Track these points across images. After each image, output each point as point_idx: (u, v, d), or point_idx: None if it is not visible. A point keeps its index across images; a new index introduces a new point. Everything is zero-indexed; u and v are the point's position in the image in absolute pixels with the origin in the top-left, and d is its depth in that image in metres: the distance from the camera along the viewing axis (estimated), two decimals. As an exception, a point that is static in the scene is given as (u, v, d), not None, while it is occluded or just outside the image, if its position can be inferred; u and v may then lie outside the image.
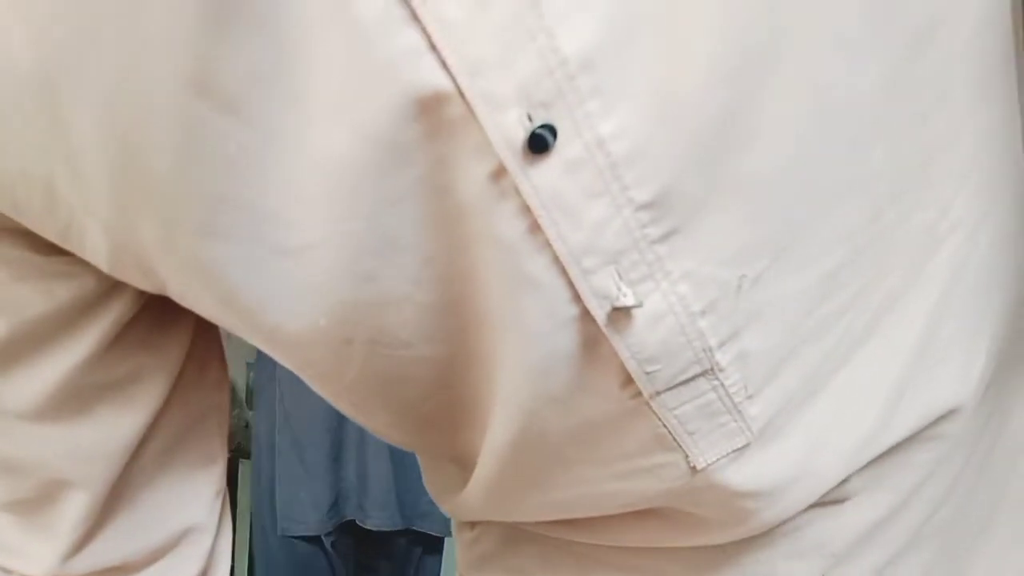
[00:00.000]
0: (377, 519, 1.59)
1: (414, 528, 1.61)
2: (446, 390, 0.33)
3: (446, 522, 1.59)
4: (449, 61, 0.23)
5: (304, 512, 1.59)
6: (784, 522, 0.35)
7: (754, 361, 0.30)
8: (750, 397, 0.31)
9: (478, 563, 0.44)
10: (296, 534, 1.60)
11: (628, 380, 0.29)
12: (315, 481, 1.58)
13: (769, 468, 0.32)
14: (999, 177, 0.36)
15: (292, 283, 0.28)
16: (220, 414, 0.45)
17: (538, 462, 0.33)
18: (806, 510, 0.35)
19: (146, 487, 0.39)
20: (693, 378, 0.30)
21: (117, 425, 0.36)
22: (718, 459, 0.31)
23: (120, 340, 0.35)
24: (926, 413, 0.35)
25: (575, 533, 0.39)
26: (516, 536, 0.42)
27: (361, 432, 1.56)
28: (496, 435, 0.32)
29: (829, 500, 0.35)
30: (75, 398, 0.35)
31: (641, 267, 0.27)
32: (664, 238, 0.27)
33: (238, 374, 2.47)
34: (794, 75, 0.26)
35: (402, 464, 1.55)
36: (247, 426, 2.52)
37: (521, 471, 0.33)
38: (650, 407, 0.30)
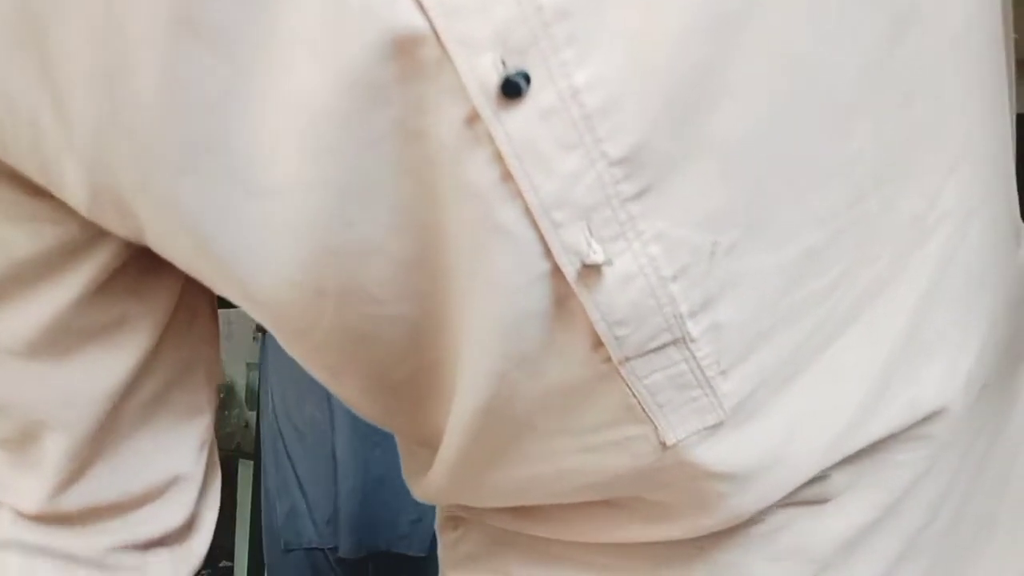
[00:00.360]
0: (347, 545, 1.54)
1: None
2: (416, 354, 0.33)
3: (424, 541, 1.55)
4: (426, 3, 0.24)
5: (304, 525, 1.56)
6: (761, 521, 0.35)
7: (728, 334, 0.30)
8: (723, 372, 0.30)
9: (461, 563, 0.44)
10: (296, 547, 1.57)
11: (598, 343, 0.29)
12: (313, 494, 1.56)
13: (742, 450, 0.32)
14: (990, 170, 0.35)
15: (266, 228, 0.28)
16: (209, 366, 0.44)
17: (506, 432, 0.32)
18: (784, 508, 0.35)
19: (132, 434, 0.39)
20: (664, 346, 0.29)
21: (102, 370, 0.36)
22: (688, 436, 0.31)
23: (108, 286, 0.35)
24: (910, 410, 0.34)
25: (543, 526, 0.39)
26: (497, 537, 0.42)
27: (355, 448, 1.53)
28: (464, 401, 0.31)
29: (809, 499, 0.35)
30: (61, 340, 0.35)
31: (613, 225, 0.27)
32: (637, 196, 0.27)
33: (238, 374, 2.48)
34: (767, 39, 0.27)
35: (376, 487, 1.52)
36: (247, 426, 2.53)
37: (488, 442, 0.33)
38: (620, 374, 0.29)
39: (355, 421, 1.47)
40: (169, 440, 0.41)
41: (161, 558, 0.43)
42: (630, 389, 0.30)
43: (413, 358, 0.33)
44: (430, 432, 0.36)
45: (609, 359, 0.29)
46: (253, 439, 1.82)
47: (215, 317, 0.43)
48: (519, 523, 0.40)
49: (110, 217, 0.30)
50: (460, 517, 0.44)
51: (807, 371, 0.32)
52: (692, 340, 0.29)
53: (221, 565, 2.24)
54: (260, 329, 1.76)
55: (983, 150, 0.35)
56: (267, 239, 0.28)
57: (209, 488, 0.46)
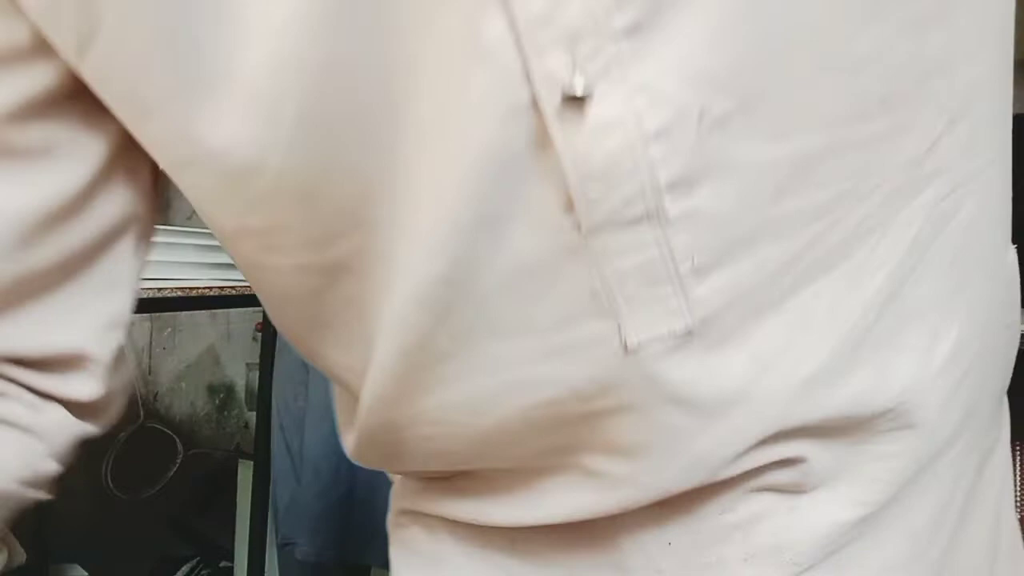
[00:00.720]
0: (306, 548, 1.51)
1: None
2: (364, 222, 0.30)
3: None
4: None
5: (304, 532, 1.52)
6: (731, 510, 0.33)
7: (707, 226, 0.28)
8: (697, 272, 0.29)
9: (410, 563, 0.43)
10: (302, 557, 1.52)
11: (569, 205, 0.28)
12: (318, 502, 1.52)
13: (709, 375, 0.30)
14: (988, 144, 0.35)
15: (238, 16, 0.26)
16: (139, 240, 0.38)
17: (460, 325, 0.30)
18: (758, 494, 0.33)
19: (38, 292, 0.35)
20: (637, 221, 0.28)
21: (18, 192, 0.33)
22: (652, 340, 0.29)
23: (38, 108, 0.32)
24: (882, 381, 0.33)
25: (490, 507, 0.37)
26: (443, 532, 0.40)
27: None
28: (418, 278, 0.29)
29: (784, 486, 0.33)
30: None
31: (599, 59, 0.26)
32: (627, 33, 0.26)
33: (238, 374, 2.48)
34: None
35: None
36: (247, 426, 2.53)
37: (438, 341, 0.30)
38: (588, 249, 0.28)
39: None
40: (77, 309, 0.37)
41: (58, 414, 0.41)
42: (597, 270, 0.28)
43: (359, 227, 0.30)
44: (365, 346, 0.33)
45: (579, 227, 0.28)
46: (253, 439, 1.82)
47: (157, 187, 0.38)
48: (465, 506, 0.38)
49: (65, 12, 0.28)
50: (410, 512, 0.42)
51: (783, 305, 0.31)
52: (668, 221, 0.28)
53: (221, 565, 2.24)
54: (260, 329, 1.76)
55: (985, 120, 0.34)
56: (237, 29, 0.26)
57: (116, 375, 0.43)
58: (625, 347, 0.29)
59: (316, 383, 1.49)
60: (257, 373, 1.76)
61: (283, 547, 1.55)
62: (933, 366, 0.34)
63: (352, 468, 1.45)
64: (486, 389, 0.32)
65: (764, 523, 0.34)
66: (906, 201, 0.32)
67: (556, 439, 0.33)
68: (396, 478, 0.44)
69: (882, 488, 0.34)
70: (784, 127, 0.29)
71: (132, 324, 1.90)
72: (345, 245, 0.31)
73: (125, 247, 0.37)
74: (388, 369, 0.32)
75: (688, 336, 0.29)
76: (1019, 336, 0.40)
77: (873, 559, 0.35)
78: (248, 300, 1.66)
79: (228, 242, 0.34)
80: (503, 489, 0.36)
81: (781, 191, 0.29)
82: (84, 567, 1.97)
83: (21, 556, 1.71)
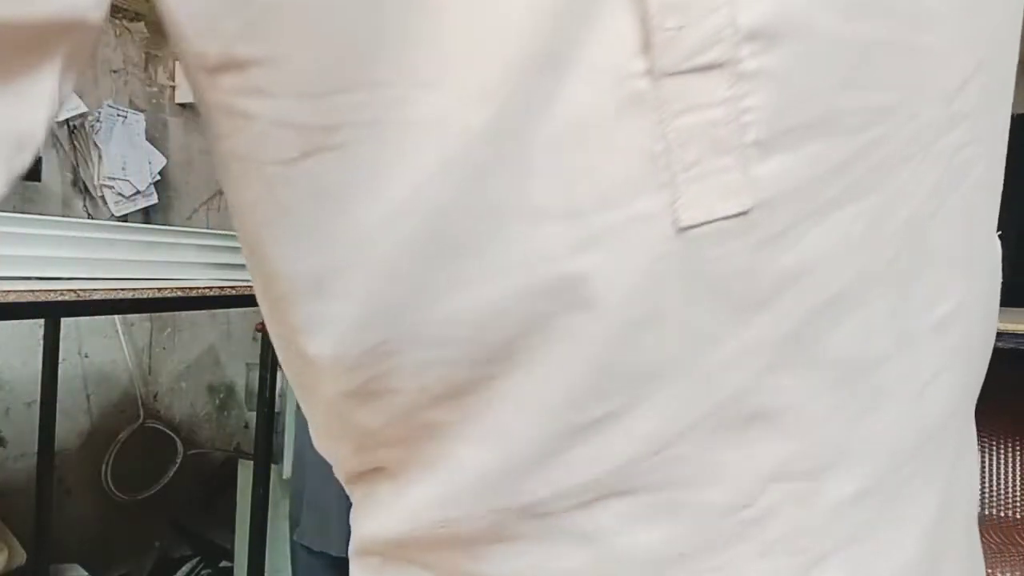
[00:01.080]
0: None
1: None
2: (365, 85, 0.27)
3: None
4: None
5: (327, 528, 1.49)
6: (751, 503, 0.31)
7: (777, 93, 0.27)
8: (759, 146, 0.27)
9: None
10: (318, 548, 1.50)
11: (643, 45, 0.26)
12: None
13: (751, 274, 0.28)
14: (994, 118, 0.35)
15: None
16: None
17: (495, 199, 0.27)
18: (775, 484, 0.31)
19: None
20: (711, 67, 0.26)
21: None
22: (708, 218, 0.27)
23: None
24: (886, 326, 0.32)
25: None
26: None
27: None
28: (449, 138, 0.26)
29: (799, 471, 0.31)
30: None
31: None
32: None
33: (238, 374, 2.48)
34: None
35: None
36: (247, 426, 2.53)
37: (463, 222, 0.27)
38: (656, 99, 0.26)
39: None
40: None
41: None
42: (660, 129, 0.26)
43: (366, 79, 0.27)
44: (337, 245, 0.29)
45: (648, 73, 0.26)
46: (253, 439, 1.82)
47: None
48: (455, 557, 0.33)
49: None
50: (377, 554, 0.37)
51: (828, 218, 0.29)
52: (741, 75, 0.26)
53: (221, 565, 2.24)
54: (260, 329, 1.76)
55: (996, 90, 0.34)
56: None
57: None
58: (676, 227, 0.27)
59: None
60: (257, 373, 1.76)
61: (305, 548, 1.52)
62: (928, 322, 0.33)
63: None
64: (506, 290, 0.28)
65: (782, 513, 0.32)
66: (936, 136, 0.31)
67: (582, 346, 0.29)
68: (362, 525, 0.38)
69: (886, 461, 0.33)
70: (861, 5, 0.28)
71: (132, 324, 1.90)
72: (343, 104, 0.27)
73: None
74: (385, 272, 0.28)
75: (743, 222, 0.28)
76: (995, 330, 0.40)
77: (886, 539, 0.34)
78: (248, 300, 1.66)
79: (204, 82, 0.29)
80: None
81: (847, 80, 0.28)
82: (84, 567, 1.97)
83: (21, 556, 1.71)
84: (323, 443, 0.38)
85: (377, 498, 0.35)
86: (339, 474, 0.38)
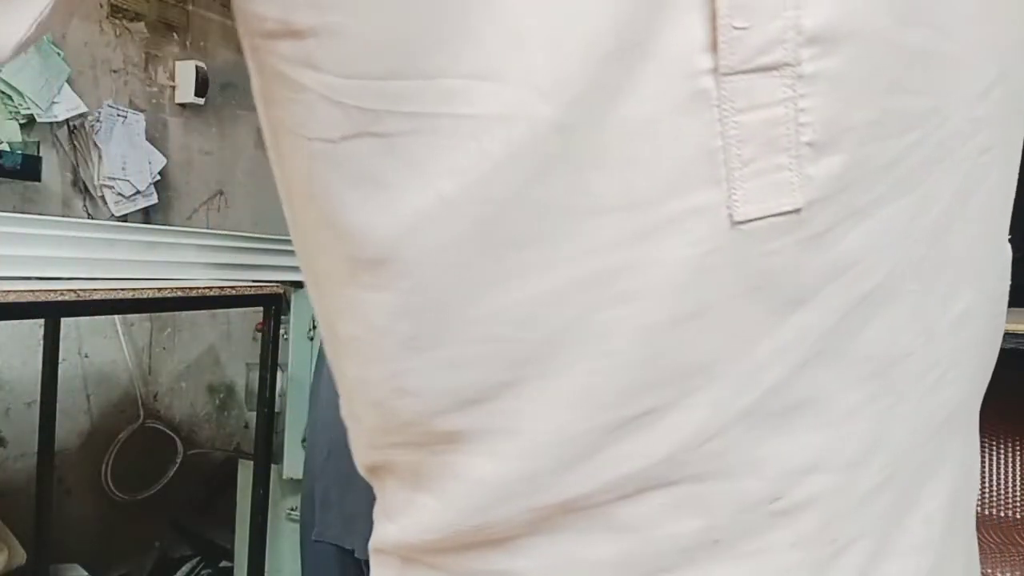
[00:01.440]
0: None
1: None
2: (422, 76, 0.27)
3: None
4: None
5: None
6: (784, 495, 0.31)
7: (833, 96, 0.28)
8: (813, 147, 0.28)
9: None
10: (328, 539, 1.46)
11: (710, 43, 0.27)
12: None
13: (797, 268, 0.29)
14: (1009, 127, 0.35)
15: None
16: None
17: (559, 191, 0.27)
18: (809, 476, 0.32)
19: None
20: (774, 67, 0.27)
21: None
22: (762, 214, 0.28)
23: None
24: (911, 324, 0.33)
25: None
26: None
27: None
28: (520, 128, 0.26)
29: (831, 461, 0.32)
30: None
31: None
32: None
33: (238, 374, 2.48)
34: None
35: None
36: (247, 426, 2.53)
37: (525, 212, 0.27)
38: (719, 96, 0.27)
39: None
40: None
41: None
42: (720, 126, 0.27)
43: (425, 68, 0.27)
44: (394, 228, 0.28)
45: (712, 71, 0.27)
46: (253, 439, 1.82)
47: None
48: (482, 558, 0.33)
49: None
50: (408, 559, 0.36)
51: (871, 216, 0.30)
52: (801, 77, 0.27)
53: (221, 565, 2.24)
54: (260, 329, 1.76)
55: (1014, 97, 0.35)
56: None
57: None
58: (731, 221, 0.28)
59: None
60: (257, 373, 1.76)
61: (332, 546, 1.49)
62: (946, 319, 0.34)
63: None
64: (556, 283, 0.28)
65: (814, 504, 0.32)
66: (961, 141, 0.32)
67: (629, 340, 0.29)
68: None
69: (903, 452, 0.34)
70: (909, 12, 0.29)
71: (132, 324, 1.90)
72: (394, 91, 0.27)
73: None
74: (428, 265, 0.28)
75: (794, 219, 0.28)
76: (1002, 330, 0.41)
77: (901, 526, 0.34)
78: (248, 300, 1.67)
79: (260, 45, 0.30)
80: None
81: (894, 84, 0.29)
82: (84, 567, 1.97)
83: (21, 556, 1.72)
84: (347, 421, 0.38)
85: (397, 501, 0.35)
86: (355, 458, 0.38)
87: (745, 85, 0.27)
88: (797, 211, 0.28)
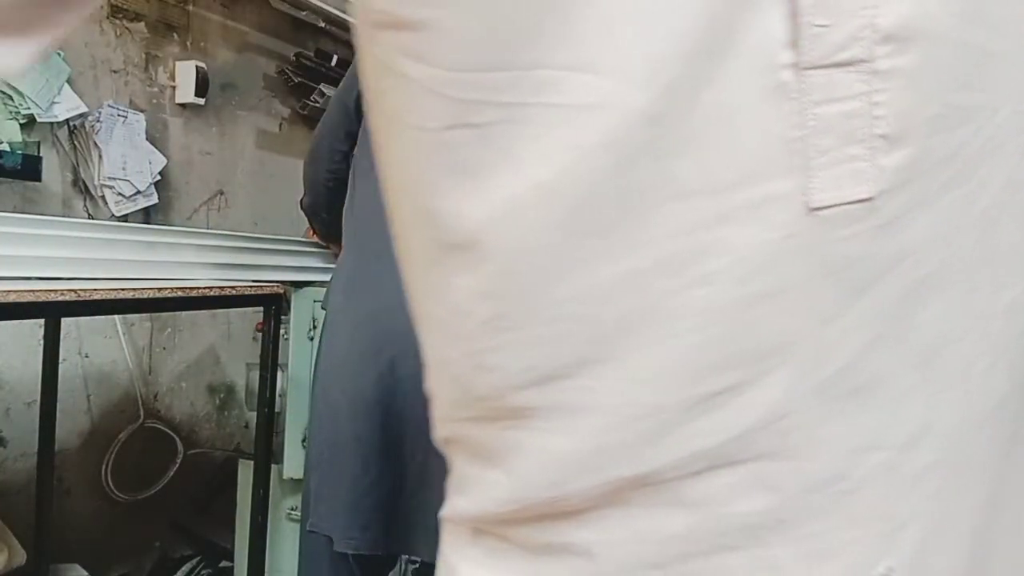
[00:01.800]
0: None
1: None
2: (522, 67, 0.28)
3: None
4: None
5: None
6: (846, 476, 0.32)
7: (906, 91, 0.30)
8: (886, 139, 0.30)
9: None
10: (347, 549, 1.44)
11: (792, 39, 0.28)
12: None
13: (870, 255, 0.31)
14: None
15: None
16: None
17: (646, 178, 0.28)
18: (867, 452, 0.32)
19: None
20: (851, 63, 0.29)
21: None
22: (837, 201, 0.29)
23: None
24: (965, 309, 0.34)
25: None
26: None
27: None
28: (612, 118, 0.27)
29: (891, 440, 0.33)
30: None
31: None
32: None
33: (238, 374, 2.48)
34: None
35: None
36: (247, 426, 2.53)
37: (613, 198, 0.28)
38: (798, 89, 0.28)
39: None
40: None
41: None
42: (799, 117, 0.29)
43: (525, 60, 0.28)
44: (485, 214, 0.29)
45: (793, 65, 0.28)
46: (253, 439, 1.82)
47: None
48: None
49: None
50: (479, 531, 0.37)
51: (934, 206, 0.32)
52: (877, 73, 0.29)
53: (221, 565, 2.24)
54: (260, 329, 1.76)
55: None
56: None
57: None
58: (807, 208, 0.29)
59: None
60: (257, 373, 1.76)
61: (314, 535, 1.49)
62: (994, 309, 0.35)
63: (402, 462, 1.45)
64: (638, 265, 0.29)
65: (872, 483, 0.33)
66: (1012, 134, 0.33)
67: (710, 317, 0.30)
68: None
69: (952, 435, 0.34)
70: (973, 12, 0.30)
71: (132, 324, 1.89)
72: (492, 83, 0.28)
73: None
74: (515, 249, 0.29)
75: (866, 207, 0.30)
76: None
77: (950, 509, 0.35)
78: (248, 300, 1.67)
79: (368, 35, 0.31)
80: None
81: (958, 80, 0.31)
82: (84, 567, 1.97)
83: (21, 556, 1.71)
84: (429, 395, 0.39)
85: (467, 474, 0.36)
86: (433, 431, 0.39)
87: (824, 79, 0.29)
88: (870, 199, 0.30)
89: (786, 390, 0.31)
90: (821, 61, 0.28)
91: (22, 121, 1.89)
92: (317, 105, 2.59)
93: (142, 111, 2.19)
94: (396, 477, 1.44)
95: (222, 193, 2.45)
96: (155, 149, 2.23)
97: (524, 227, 0.29)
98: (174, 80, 2.29)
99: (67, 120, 2.00)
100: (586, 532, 0.33)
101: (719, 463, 0.31)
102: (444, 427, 0.37)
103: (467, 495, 0.36)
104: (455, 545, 0.38)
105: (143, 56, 2.21)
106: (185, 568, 2.27)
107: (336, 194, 1.61)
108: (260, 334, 1.74)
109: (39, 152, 1.91)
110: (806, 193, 0.29)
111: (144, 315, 2.22)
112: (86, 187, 2.07)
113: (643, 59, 0.27)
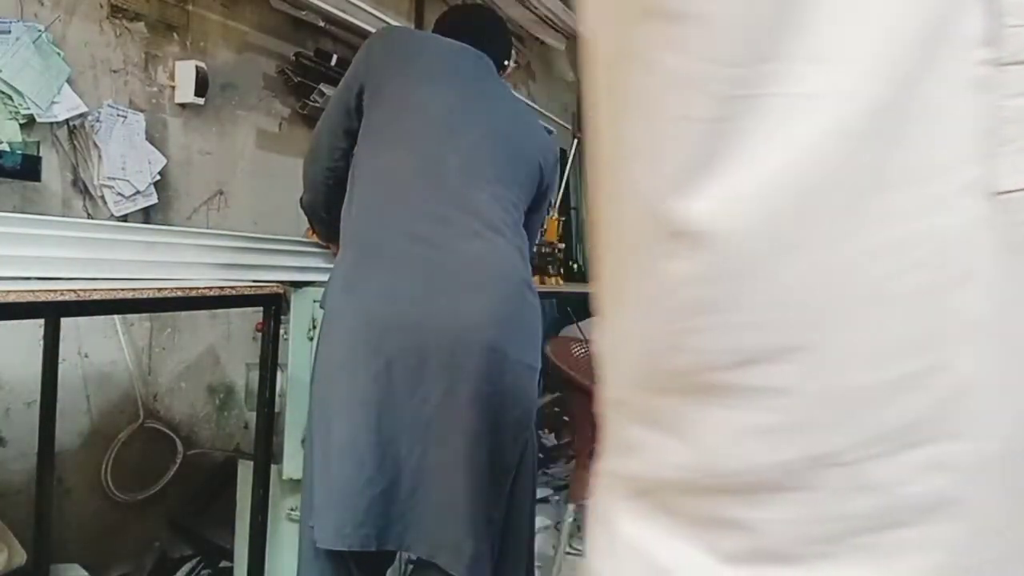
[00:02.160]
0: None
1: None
2: (772, 60, 0.29)
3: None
4: None
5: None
6: (913, 481, 0.32)
7: None
8: None
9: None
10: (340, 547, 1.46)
11: (990, 37, 0.29)
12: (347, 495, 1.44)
13: None
14: None
15: None
16: None
17: (862, 170, 0.30)
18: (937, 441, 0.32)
19: None
20: None
21: None
22: (1018, 189, 0.31)
23: None
24: None
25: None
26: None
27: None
28: (842, 109, 0.29)
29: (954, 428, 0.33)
30: None
31: None
32: None
33: (238, 374, 2.48)
34: None
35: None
36: (247, 426, 2.53)
37: (843, 185, 0.30)
38: (995, 83, 0.30)
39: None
40: None
41: None
42: (994, 109, 0.30)
43: (775, 53, 0.30)
44: (713, 204, 0.31)
45: (992, 60, 0.30)
46: (253, 439, 1.81)
47: None
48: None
49: None
50: (642, 492, 0.38)
51: None
52: None
53: (221, 565, 2.24)
54: (260, 329, 1.76)
55: None
56: None
57: None
58: (992, 191, 0.30)
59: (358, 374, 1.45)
60: (257, 373, 1.75)
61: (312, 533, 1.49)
62: None
63: (397, 460, 1.45)
64: (853, 253, 0.31)
65: (941, 474, 0.33)
66: None
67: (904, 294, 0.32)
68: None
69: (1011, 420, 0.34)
70: None
71: (132, 324, 1.89)
72: (734, 77, 0.30)
73: None
74: (739, 238, 0.31)
75: None
76: None
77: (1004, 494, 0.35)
78: (248, 300, 1.66)
79: (629, 26, 0.32)
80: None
81: None
82: (84, 567, 1.97)
83: (21, 556, 1.71)
84: (602, 356, 0.39)
85: (634, 436, 0.37)
86: (604, 392, 0.40)
87: (1018, 75, 0.30)
88: None
89: (970, 372, 0.32)
90: (1017, 58, 0.30)
91: (22, 121, 1.89)
92: (317, 105, 2.59)
93: (142, 111, 2.19)
94: (391, 475, 1.45)
95: (222, 193, 2.45)
96: (155, 149, 2.22)
97: (749, 218, 0.31)
98: (174, 80, 2.29)
99: (67, 120, 2.00)
100: (757, 512, 0.34)
101: (899, 445, 0.32)
102: (618, 390, 0.38)
103: (638, 458, 0.37)
104: (612, 499, 0.39)
105: (143, 56, 2.21)
106: (185, 568, 2.27)
107: (335, 193, 1.61)
108: (260, 334, 1.74)
109: (39, 152, 1.91)
110: (992, 178, 0.30)
111: (144, 315, 2.22)
112: (86, 187, 2.07)
113: (871, 48, 0.29)
